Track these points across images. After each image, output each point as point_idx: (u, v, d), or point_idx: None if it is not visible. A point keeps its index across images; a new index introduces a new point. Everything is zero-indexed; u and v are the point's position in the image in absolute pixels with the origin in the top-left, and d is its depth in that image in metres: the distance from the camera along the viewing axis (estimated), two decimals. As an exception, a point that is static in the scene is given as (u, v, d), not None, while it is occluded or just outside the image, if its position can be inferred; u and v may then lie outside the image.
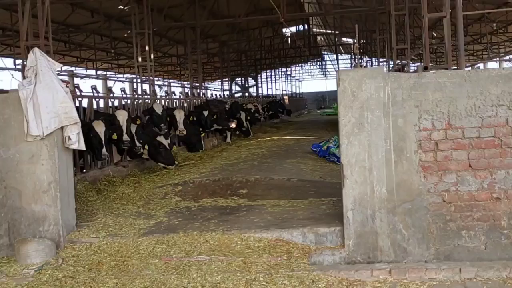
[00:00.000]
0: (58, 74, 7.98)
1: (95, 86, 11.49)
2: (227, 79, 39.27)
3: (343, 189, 6.69)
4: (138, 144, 11.61)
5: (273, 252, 6.56)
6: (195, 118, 16.61)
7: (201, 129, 16.77)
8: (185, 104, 18.13)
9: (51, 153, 6.92)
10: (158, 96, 16.12)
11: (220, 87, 38.35)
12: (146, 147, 12.14)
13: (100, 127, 10.21)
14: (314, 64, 62.99)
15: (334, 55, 58.75)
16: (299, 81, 72.90)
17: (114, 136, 10.70)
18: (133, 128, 11.65)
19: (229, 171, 10.83)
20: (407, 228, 6.62)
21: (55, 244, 6.83)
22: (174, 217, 8.01)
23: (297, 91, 70.37)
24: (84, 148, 7.38)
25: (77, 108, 10.52)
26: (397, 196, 6.64)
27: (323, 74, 70.71)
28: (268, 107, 31.46)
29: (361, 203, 6.66)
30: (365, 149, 6.66)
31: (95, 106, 11.55)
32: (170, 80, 46.95)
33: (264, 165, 11.63)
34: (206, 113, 17.44)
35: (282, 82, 55.86)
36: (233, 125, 19.42)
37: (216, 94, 25.05)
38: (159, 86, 18.03)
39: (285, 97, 48.75)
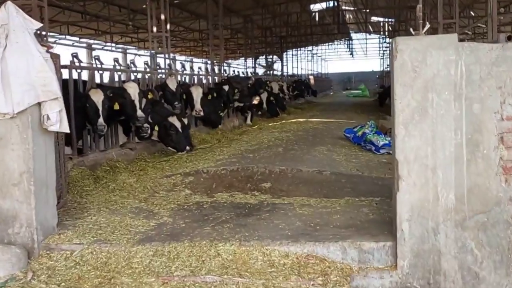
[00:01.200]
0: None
1: (98, 56, 10.02)
2: (250, 57, 37.58)
3: (397, 194, 5.13)
4: (145, 124, 10.16)
5: (304, 272, 5.04)
6: (215, 94, 15.12)
7: (222, 105, 15.32)
8: (204, 81, 16.61)
9: (24, 136, 5.45)
10: (174, 71, 14.59)
11: (243, 65, 36.63)
12: (156, 128, 10.70)
13: (97, 96, 8.87)
14: (341, 43, 60.88)
15: (362, 35, 56.71)
16: (325, 61, 70.80)
17: (116, 106, 9.26)
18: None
19: (249, 159, 9.29)
20: (480, 247, 5.05)
21: (27, 252, 5.39)
22: (181, 216, 6.53)
23: (323, 71, 68.34)
24: (67, 131, 5.90)
25: (75, 81, 9.13)
26: (468, 204, 5.06)
27: (350, 54, 68.52)
28: (293, 87, 29.80)
29: (421, 213, 5.10)
30: (427, 142, 5.08)
31: (98, 80, 10.07)
32: (192, 57, 45.45)
33: (290, 152, 10.07)
34: (227, 87, 15.95)
35: (307, 61, 53.97)
36: (255, 102, 17.90)
37: (238, 71, 23.42)
38: (181, 62, 16.28)
39: (311, 77, 47.02)
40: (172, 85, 12.43)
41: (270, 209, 6.77)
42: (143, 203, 7.26)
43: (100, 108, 8.85)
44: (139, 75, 11.91)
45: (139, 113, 9.56)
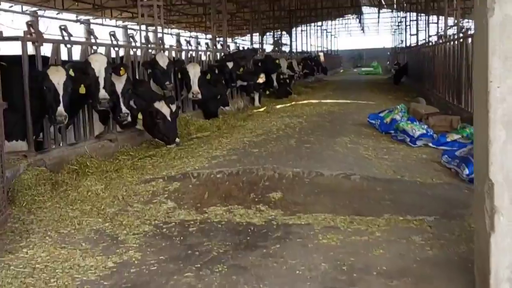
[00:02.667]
0: None
1: (65, 26, 8.01)
2: (257, 33, 35.31)
3: (492, 237, 3.15)
4: (124, 109, 8.20)
5: None
6: (217, 71, 13.15)
7: (224, 83, 13.34)
8: (204, 58, 14.52)
9: None
10: (168, 46, 12.54)
11: (250, 41, 34.32)
12: (140, 116, 8.74)
13: (58, 76, 6.91)
14: (352, 18, 58.37)
15: (373, 9, 54.30)
16: (334, 37, 68.24)
17: (82, 90, 7.30)
18: (119, 85, 8.23)
19: (254, 157, 7.31)
20: None
21: None
22: (155, 250, 4.57)
23: (332, 48, 65.80)
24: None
25: (31, 57, 7.18)
26: None
27: (361, 30, 65.92)
28: (302, 64, 27.65)
29: (531, 269, 3.12)
30: (544, 153, 3.08)
31: (65, 56, 8.06)
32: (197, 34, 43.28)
33: (305, 146, 8.06)
34: (230, 64, 13.93)
35: (317, 37, 51.61)
36: (260, 80, 15.80)
37: (243, 47, 21.18)
38: (185, 39, 13.93)
39: (321, 54, 44.75)
40: (163, 61, 10.41)
41: (281, 235, 4.81)
42: (108, 222, 5.30)
43: (61, 92, 6.87)
44: (123, 50, 9.90)
45: (102, 93, 7.51)
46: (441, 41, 16.11)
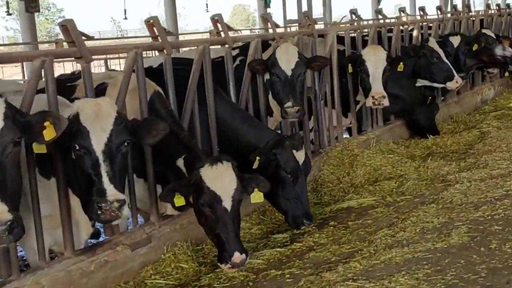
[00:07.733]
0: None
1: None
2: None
3: None
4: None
5: None
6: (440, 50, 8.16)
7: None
8: (402, 31, 8.65)
9: None
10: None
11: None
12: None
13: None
14: None
15: None
16: None
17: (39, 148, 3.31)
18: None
19: None
20: None
21: None
22: None
23: None
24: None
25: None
26: None
27: None
28: None
29: None
30: None
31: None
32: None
33: None
34: (456, 40, 8.81)
35: None
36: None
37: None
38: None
39: None
40: (287, 60, 5.59)
41: None
42: None
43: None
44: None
45: (108, 190, 3.21)
46: None
